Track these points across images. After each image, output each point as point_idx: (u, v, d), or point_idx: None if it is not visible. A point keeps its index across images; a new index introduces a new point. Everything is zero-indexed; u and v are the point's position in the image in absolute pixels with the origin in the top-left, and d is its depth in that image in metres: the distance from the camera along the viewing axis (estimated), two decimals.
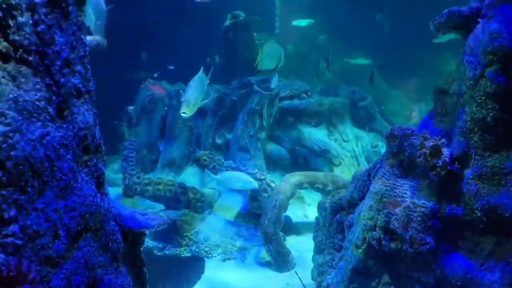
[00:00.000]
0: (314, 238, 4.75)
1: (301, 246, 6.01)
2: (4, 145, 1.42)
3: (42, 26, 1.58)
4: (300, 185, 5.96)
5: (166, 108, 8.30)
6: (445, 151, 3.10)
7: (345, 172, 7.46)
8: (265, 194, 6.33)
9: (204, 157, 7.16)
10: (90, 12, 4.25)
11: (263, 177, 6.55)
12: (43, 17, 1.59)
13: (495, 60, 2.81)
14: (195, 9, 8.46)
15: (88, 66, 1.87)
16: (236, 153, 7.60)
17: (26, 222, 1.47)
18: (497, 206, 2.84)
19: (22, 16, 1.51)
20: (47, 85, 1.60)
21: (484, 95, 2.89)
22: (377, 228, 3.32)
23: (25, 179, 1.47)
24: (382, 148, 7.73)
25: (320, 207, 4.63)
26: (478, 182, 2.94)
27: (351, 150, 8.31)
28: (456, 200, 3.06)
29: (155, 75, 9.14)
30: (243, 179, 6.00)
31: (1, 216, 1.41)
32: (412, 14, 10.06)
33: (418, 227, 3.12)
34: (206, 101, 5.82)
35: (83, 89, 1.81)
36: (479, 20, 3.03)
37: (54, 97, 1.63)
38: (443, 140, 3.15)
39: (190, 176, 7.51)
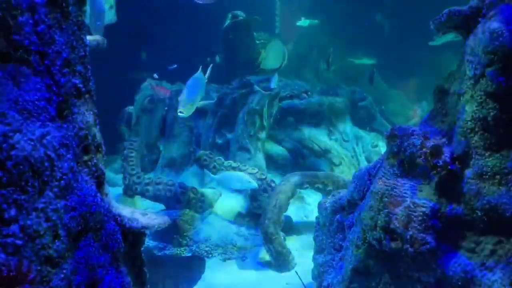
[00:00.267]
0: (315, 238, 4.75)
1: (302, 246, 6.01)
2: (4, 145, 1.42)
3: (42, 26, 1.58)
4: (300, 185, 5.96)
5: (166, 108, 8.31)
6: (446, 150, 3.10)
7: (345, 172, 7.46)
8: (265, 194, 6.33)
9: (204, 157, 7.15)
10: (90, 13, 4.26)
11: (263, 177, 6.56)
12: (43, 17, 1.59)
13: (496, 59, 2.81)
14: (195, 9, 8.44)
15: (88, 66, 1.87)
16: (236, 153, 7.59)
17: (26, 222, 1.47)
18: (498, 205, 2.84)
19: (22, 16, 1.51)
20: (47, 85, 1.60)
21: (484, 95, 2.88)
22: (378, 228, 3.32)
23: (25, 179, 1.47)
24: (382, 148, 7.73)
25: (321, 207, 4.62)
26: (478, 181, 2.94)
27: (351, 150, 8.31)
28: (457, 199, 3.06)
29: (155, 75, 9.13)
30: (243, 179, 5.99)
31: (1, 216, 1.41)
32: (412, 14, 10.05)
33: (418, 226, 3.11)
34: (207, 102, 5.81)
35: (83, 89, 1.81)
36: (480, 19, 3.02)
37: (54, 97, 1.63)
38: (444, 139, 3.15)
39: (190, 176, 7.52)
